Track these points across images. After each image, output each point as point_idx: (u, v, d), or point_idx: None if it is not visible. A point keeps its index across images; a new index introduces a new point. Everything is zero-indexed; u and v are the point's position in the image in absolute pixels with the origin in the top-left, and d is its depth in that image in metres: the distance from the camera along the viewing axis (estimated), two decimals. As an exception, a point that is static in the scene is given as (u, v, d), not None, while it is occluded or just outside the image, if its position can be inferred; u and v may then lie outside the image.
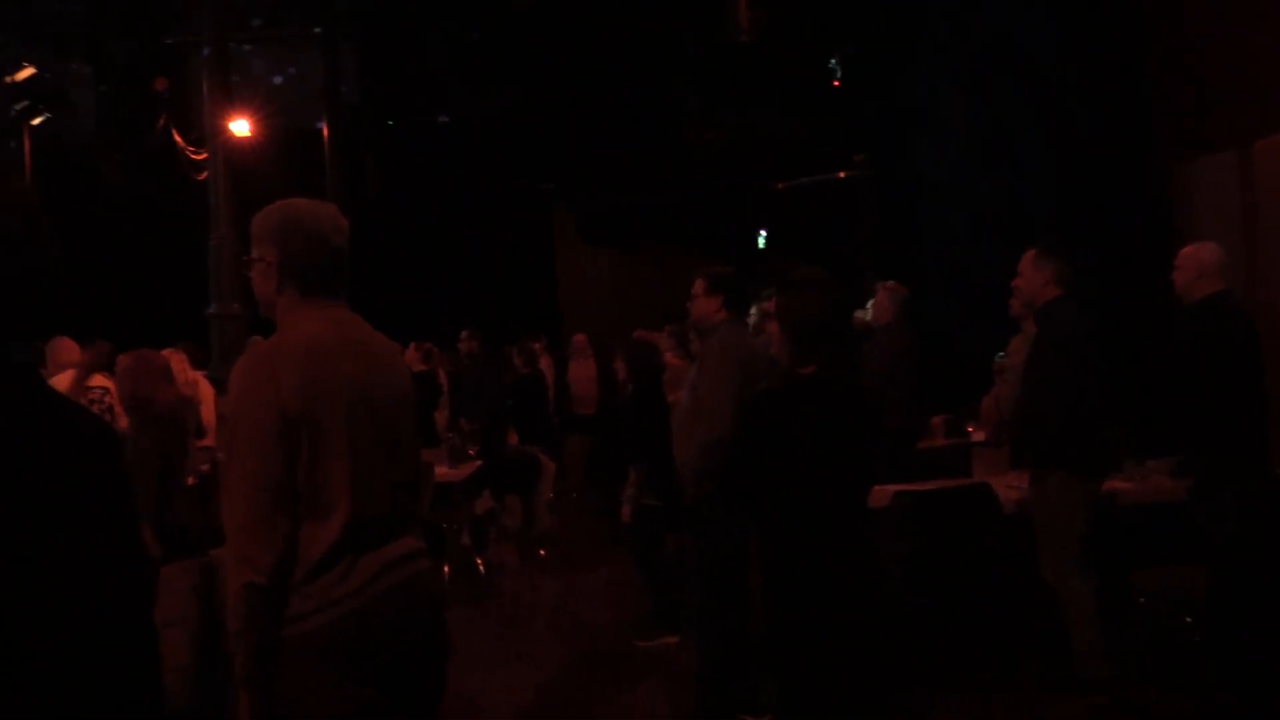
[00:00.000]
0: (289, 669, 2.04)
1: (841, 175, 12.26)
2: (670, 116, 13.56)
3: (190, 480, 4.50)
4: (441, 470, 6.80)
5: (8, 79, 13.80)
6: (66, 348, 5.88)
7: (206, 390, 6.83)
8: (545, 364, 10.38)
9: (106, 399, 5.49)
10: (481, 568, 7.32)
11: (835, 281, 2.94)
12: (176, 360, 5.84)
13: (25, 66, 13.85)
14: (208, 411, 6.58)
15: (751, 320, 5.87)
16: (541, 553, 8.05)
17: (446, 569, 6.76)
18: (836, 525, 2.80)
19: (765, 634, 2.91)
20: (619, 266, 15.15)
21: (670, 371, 6.12)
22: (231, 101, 12.24)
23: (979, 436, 6.29)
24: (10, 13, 13.87)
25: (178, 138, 14.03)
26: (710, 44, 12.87)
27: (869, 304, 6.80)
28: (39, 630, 1.25)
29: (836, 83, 12.10)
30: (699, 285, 4.45)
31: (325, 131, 14.33)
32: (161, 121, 14.28)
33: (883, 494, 4.42)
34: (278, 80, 15.71)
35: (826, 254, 10.26)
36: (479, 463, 7.39)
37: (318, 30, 14.47)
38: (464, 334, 9.37)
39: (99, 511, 1.35)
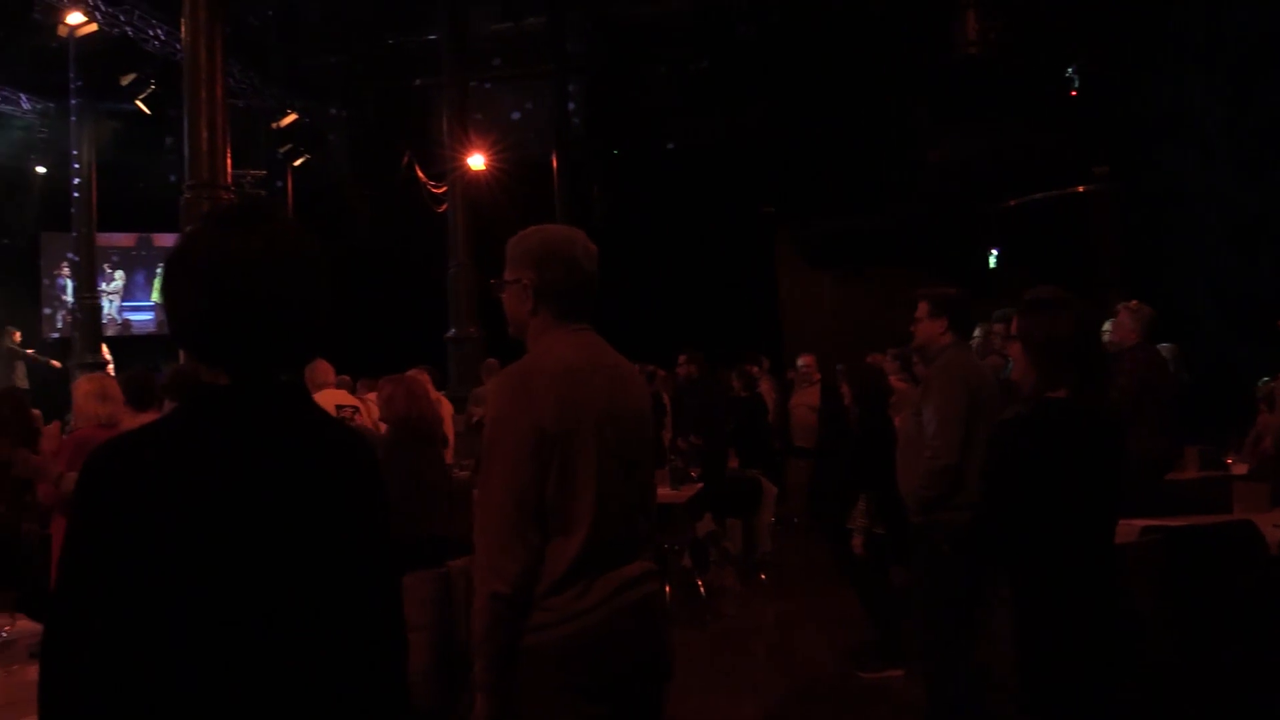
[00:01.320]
0: (525, 679, 2.11)
1: (1080, 189, 11.61)
2: (896, 135, 13.29)
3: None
4: (664, 491, 6.89)
5: (274, 125, 15.19)
6: (322, 369, 6.36)
7: (446, 409, 7.23)
8: (766, 387, 10.32)
9: (356, 418, 5.90)
10: (702, 590, 7.34)
11: (1081, 301, 2.78)
12: (423, 382, 6.24)
13: (289, 113, 15.21)
14: (447, 429, 6.95)
15: (976, 342, 5.63)
16: (762, 577, 7.99)
17: (668, 590, 6.82)
18: (1090, 561, 2.64)
19: (1019, 673, 2.76)
20: (842, 289, 14.93)
21: (895, 396, 5.96)
22: (469, 138, 12.95)
23: (1240, 469, 5.77)
24: (278, 67, 15.26)
25: (420, 174, 14.98)
26: (937, 59, 12.54)
27: (1106, 325, 6.39)
28: (315, 623, 1.36)
29: (1074, 92, 11.49)
30: (923, 307, 4.31)
31: (555, 163, 14.91)
32: (406, 159, 15.30)
33: (1129, 528, 4.12)
34: (515, 116, 16.49)
35: (1063, 272, 9.73)
36: (700, 485, 7.43)
37: (549, 66, 15.09)
38: (682, 358, 9.45)
39: (365, 518, 1.47)
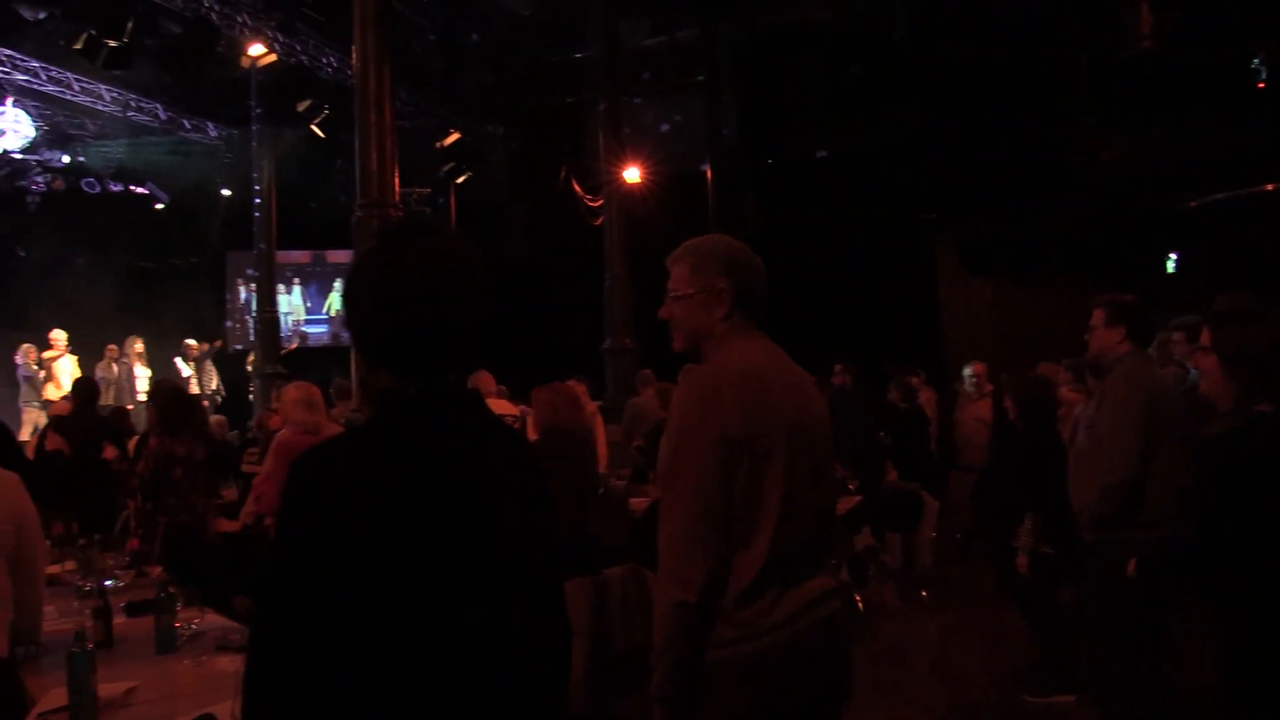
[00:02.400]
0: (709, 695, 2.07)
1: (1269, 188, 10.87)
2: (1061, 135, 12.75)
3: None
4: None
5: (438, 145, 15.76)
6: (484, 379, 6.56)
7: (599, 420, 7.32)
8: (925, 398, 10.05)
9: (517, 426, 6.04)
10: (860, 605, 7.19)
11: (1275, 309, 2.59)
12: (579, 393, 6.36)
13: (451, 132, 15.76)
14: (600, 439, 7.05)
15: (1153, 352, 5.32)
16: (923, 594, 7.77)
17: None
18: None
19: (1226, 704, 2.58)
20: (1006, 297, 14.41)
21: (1066, 408, 5.70)
22: (624, 151, 13.12)
23: None
24: (440, 88, 15.83)
25: (576, 187, 15.26)
26: (1105, 55, 11.96)
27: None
28: (488, 622, 1.41)
29: (1261, 84, 10.77)
30: (1099, 315, 4.10)
31: (708, 173, 14.93)
32: (562, 173, 15.61)
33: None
34: (665, 128, 16.62)
35: (1248, 277, 9.12)
36: (859, 498, 7.29)
37: (701, 78, 15.15)
38: (838, 367, 9.30)
39: (536, 522, 1.51)
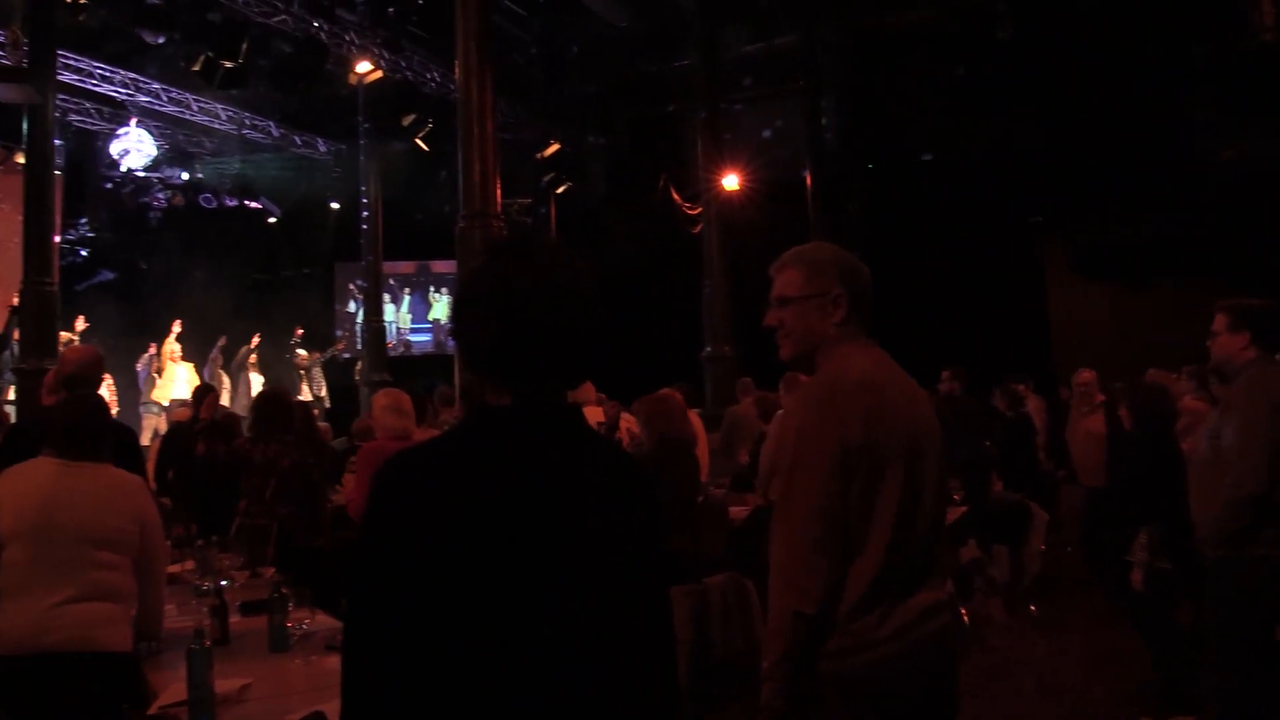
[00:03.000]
0: (820, 707, 2.05)
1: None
2: (1177, 134, 12.26)
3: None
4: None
5: (539, 156, 15.98)
6: (585, 387, 6.60)
7: (699, 427, 7.30)
8: (1033, 406, 9.77)
9: (615, 435, 6.07)
10: (966, 619, 7.01)
11: None
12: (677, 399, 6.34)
13: (552, 143, 15.95)
14: (701, 448, 7.03)
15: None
16: (1032, 608, 7.54)
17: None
18: None
19: None
20: (1119, 302, 13.93)
21: (1186, 418, 5.47)
22: (723, 158, 13.09)
23: None
24: (540, 100, 16.05)
25: (675, 195, 15.29)
26: (1223, 48, 11.47)
27: None
28: (596, 634, 1.41)
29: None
30: (1220, 321, 3.92)
31: (809, 179, 14.80)
32: (661, 182, 15.66)
33: None
34: (765, 134, 16.54)
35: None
36: (964, 508, 7.12)
37: (801, 83, 15.04)
38: (945, 374, 9.09)
39: (643, 532, 1.51)
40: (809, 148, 14.93)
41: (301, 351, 14.92)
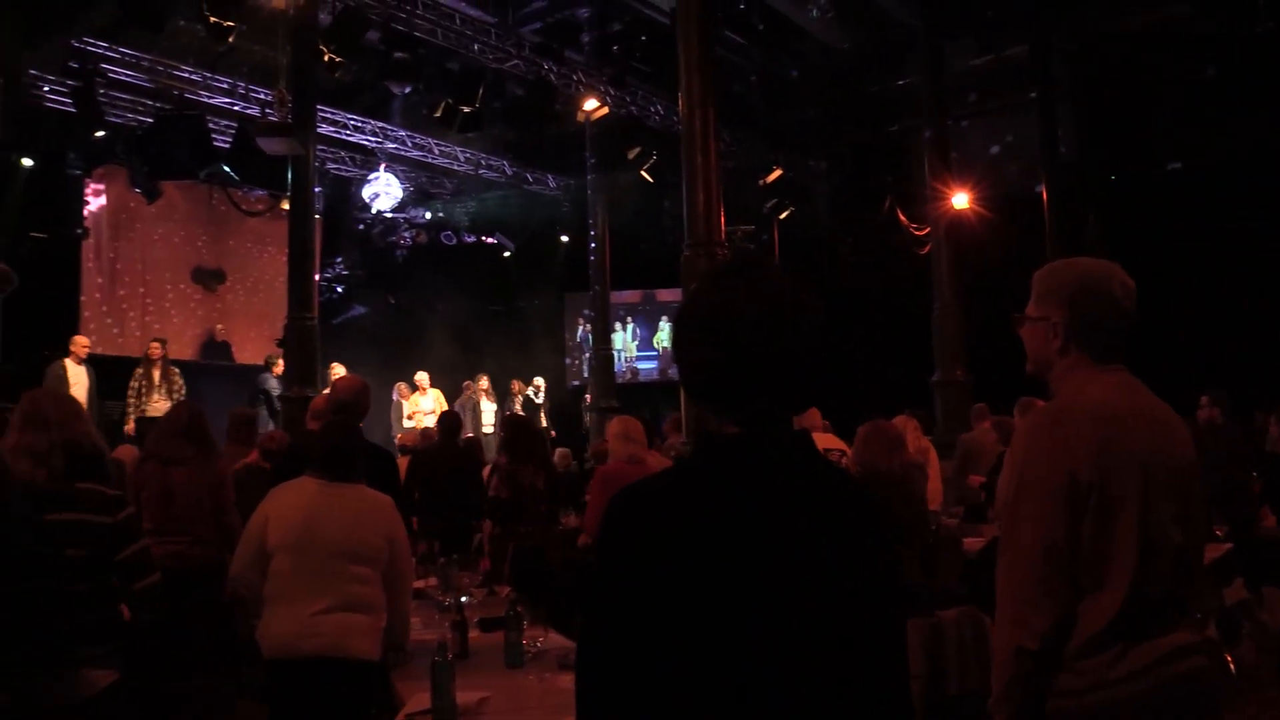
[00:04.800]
0: None
1: None
2: None
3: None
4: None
5: (761, 182, 16.01)
6: (811, 413, 6.53)
7: (931, 455, 7.06)
8: (1308, 433, 8.87)
9: (843, 460, 5.95)
10: (1232, 666, 6.41)
11: None
12: (911, 428, 6.17)
13: (775, 169, 15.95)
14: (934, 476, 6.80)
15: None
16: (1312, 657, 6.81)
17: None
18: None
19: None
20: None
21: None
22: (951, 176, 12.70)
23: None
24: (761, 126, 16.09)
25: (901, 216, 14.93)
26: None
27: None
28: (831, 668, 1.38)
29: None
30: None
31: (1044, 194, 14.09)
32: (887, 203, 15.34)
33: None
34: (994, 150, 15.91)
35: None
36: (1228, 545, 6.54)
37: (1033, 94, 14.37)
38: (1204, 399, 8.40)
39: (878, 563, 1.47)
40: (1043, 161, 14.19)
41: (518, 382, 15.43)
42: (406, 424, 13.04)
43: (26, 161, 12.17)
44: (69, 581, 2.94)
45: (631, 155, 14.17)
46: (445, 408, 12.31)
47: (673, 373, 16.99)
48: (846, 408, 8.19)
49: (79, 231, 13.66)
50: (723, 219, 8.28)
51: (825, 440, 6.62)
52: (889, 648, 1.46)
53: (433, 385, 13.71)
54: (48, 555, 2.91)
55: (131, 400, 11.02)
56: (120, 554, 3.04)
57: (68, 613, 2.92)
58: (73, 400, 3.23)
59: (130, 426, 10.67)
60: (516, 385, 15.24)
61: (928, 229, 13.20)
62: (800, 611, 1.36)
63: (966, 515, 7.36)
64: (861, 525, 1.47)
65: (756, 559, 1.35)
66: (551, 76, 13.29)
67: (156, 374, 11.16)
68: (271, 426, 10.15)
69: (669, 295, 17.99)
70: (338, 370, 11.57)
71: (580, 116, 14.12)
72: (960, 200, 13.07)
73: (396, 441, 11.06)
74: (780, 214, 16.21)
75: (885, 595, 1.46)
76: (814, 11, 13.62)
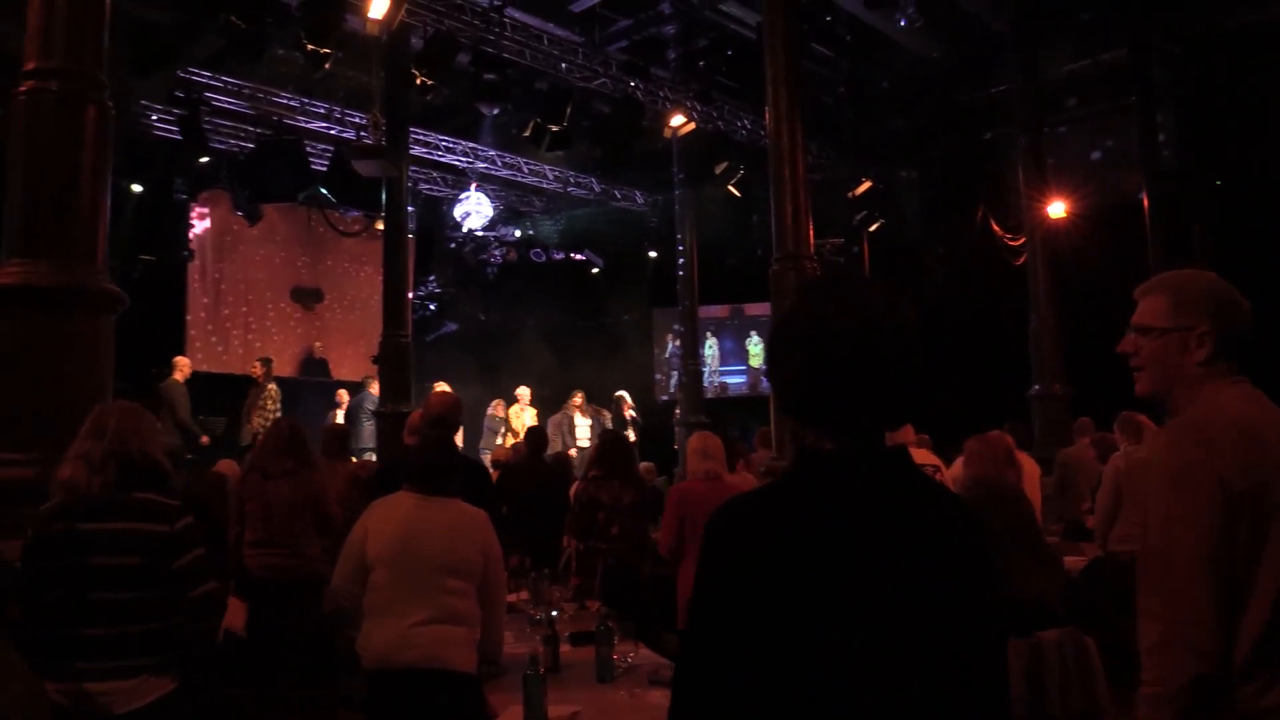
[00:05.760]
0: None
1: None
2: None
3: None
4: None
5: (850, 194, 15.84)
6: (904, 430, 6.41)
7: (1032, 470, 6.89)
8: None
9: (938, 475, 5.84)
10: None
11: None
12: (1010, 443, 6.01)
13: (864, 181, 15.78)
14: (1032, 491, 6.62)
15: None
16: None
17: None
18: None
19: None
20: None
21: None
22: (1047, 185, 12.40)
23: None
24: (849, 137, 15.94)
25: (995, 227, 14.61)
26: None
27: None
28: (933, 689, 1.36)
29: None
30: None
31: (1145, 202, 13.65)
32: (979, 214, 15.03)
33: None
34: (1094, 156, 15.49)
35: None
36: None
37: (1133, 99, 13.95)
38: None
39: (980, 582, 1.44)
40: (1144, 167, 13.74)
41: (577, 400, 15.21)
42: (498, 439, 13.19)
43: (136, 188, 12.73)
44: (119, 589, 3.01)
45: (719, 170, 14.16)
46: (536, 424, 12.44)
47: (762, 387, 16.86)
48: (941, 422, 8.05)
49: (185, 254, 14.21)
50: (811, 232, 8.22)
51: (920, 455, 6.48)
52: (989, 668, 1.42)
53: (532, 403, 13.87)
54: (93, 565, 3.00)
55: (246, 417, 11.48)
56: (177, 562, 3.12)
57: (119, 620, 3.00)
58: (139, 413, 3.30)
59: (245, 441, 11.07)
60: (582, 408, 14.89)
61: (1023, 239, 12.89)
62: (900, 630, 1.34)
63: (1066, 533, 7.15)
64: (962, 542, 1.44)
65: (854, 575, 1.34)
66: (638, 94, 13.38)
67: (258, 392, 11.55)
68: (373, 443, 10.36)
69: (757, 309, 17.90)
70: (441, 388, 11.78)
71: (667, 132, 14.16)
72: (1057, 209, 12.74)
73: (489, 458, 11.19)
74: (870, 226, 16.02)
75: (986, 614, 1.43)
76: (902, 21, 13.45)
